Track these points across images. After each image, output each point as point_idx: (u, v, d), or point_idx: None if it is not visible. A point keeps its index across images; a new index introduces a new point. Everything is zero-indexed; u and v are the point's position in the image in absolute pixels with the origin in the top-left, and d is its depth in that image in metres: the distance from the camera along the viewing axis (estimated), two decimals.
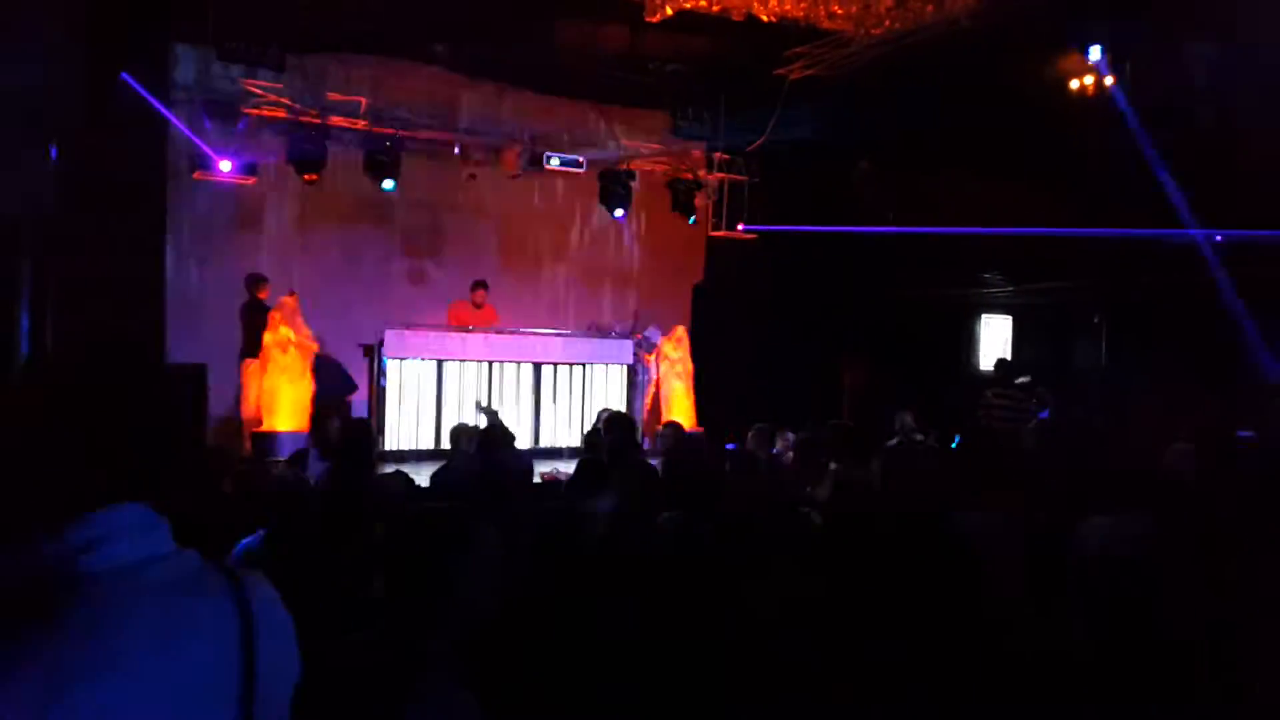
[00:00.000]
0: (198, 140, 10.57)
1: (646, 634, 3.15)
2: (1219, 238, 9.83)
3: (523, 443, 9.86)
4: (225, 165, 10.46)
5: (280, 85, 10.91)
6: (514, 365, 11.00)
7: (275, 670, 1.56)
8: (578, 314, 13.47)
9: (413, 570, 2.40)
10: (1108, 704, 3.29)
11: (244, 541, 3.89)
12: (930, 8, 9.91)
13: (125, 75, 9.08)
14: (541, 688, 2.78)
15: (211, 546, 3.32)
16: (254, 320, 10.08)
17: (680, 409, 11.86)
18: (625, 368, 11.69)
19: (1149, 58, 9.97)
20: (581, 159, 12.43)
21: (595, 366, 11.51)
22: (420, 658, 2.33)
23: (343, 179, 11.94)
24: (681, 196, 13.05)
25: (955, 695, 3.18)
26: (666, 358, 11.97)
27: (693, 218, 13.12)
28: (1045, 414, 9.97)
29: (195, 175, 10.74)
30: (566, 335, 12.13)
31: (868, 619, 3.37)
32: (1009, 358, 12.15)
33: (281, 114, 10.80)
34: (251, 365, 10.03)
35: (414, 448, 10.45)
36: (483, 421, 9.85)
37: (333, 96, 11.15)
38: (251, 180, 11.04)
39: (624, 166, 12.77)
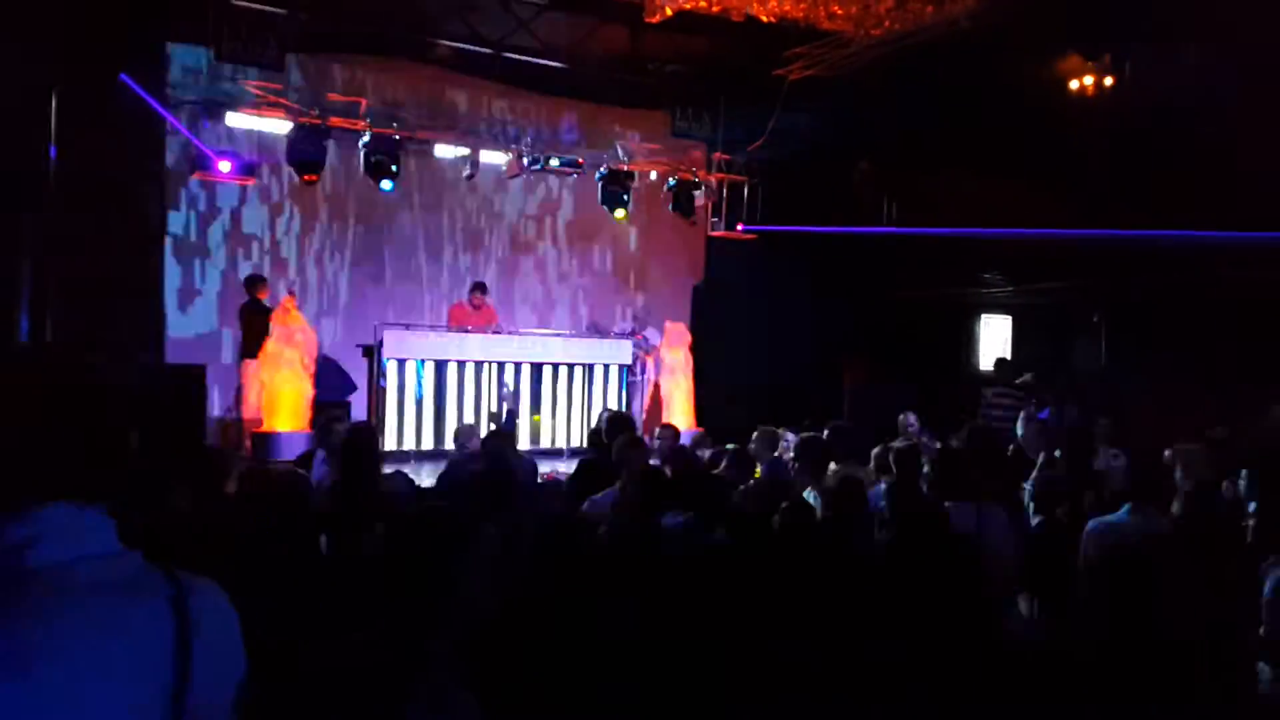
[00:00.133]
0: (197, 141, 10.58)
1: (646, 634, 3.15)
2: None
3: (522, 443, 9.87)
4: (224, 166, 10.46)
5: (279, 85, 10.92)
6: (513, 366, 11.00)
7: (214, 675, 1.55)
8: (577, 315, 13.48)
9: (413, 570, 2.40)
10: (1108, 704, 3.29)
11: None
12: (930, 9, 9.91)
13: (124, 76, 9.08)
14: (541, 688, 2.78)
15: (213, 547, 3.32)
16: (253, 321, 10.08)
17: (680, 409, 11.86)
18: (624, 368, 11.69)
19: (1149, 59, 9.97)
20: (581, 159, 12.44)
21: (594, 367, 11.50)
22: (420, 658, 2.32)
23: (342, 179, 11.95)
24: (681, 197, 13.05)
25: (955, 695, 3.18)
26: (667, 357, 11.97)
27: (692, 218, 13.12)
28: (1045, 414, 9.96)
29: (194, 175, 10.74)
30: (566, 336, 12.12)
31: (868, 619, 3.38)
32: (1008, 358, 12.14)
33: (281, 114, 10.80)
34: (251, 366, 10.03)
35: (414, 448, 10.44)
36: (503, 411, 9.88)
37: (332, 97, 11.15)
38: (250, 181, 11.05)
39: (624, 167, 12.78)
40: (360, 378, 10.93)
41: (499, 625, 2.75)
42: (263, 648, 2.68)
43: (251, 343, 10.02)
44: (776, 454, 7.41)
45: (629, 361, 11.73)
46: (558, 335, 12.08)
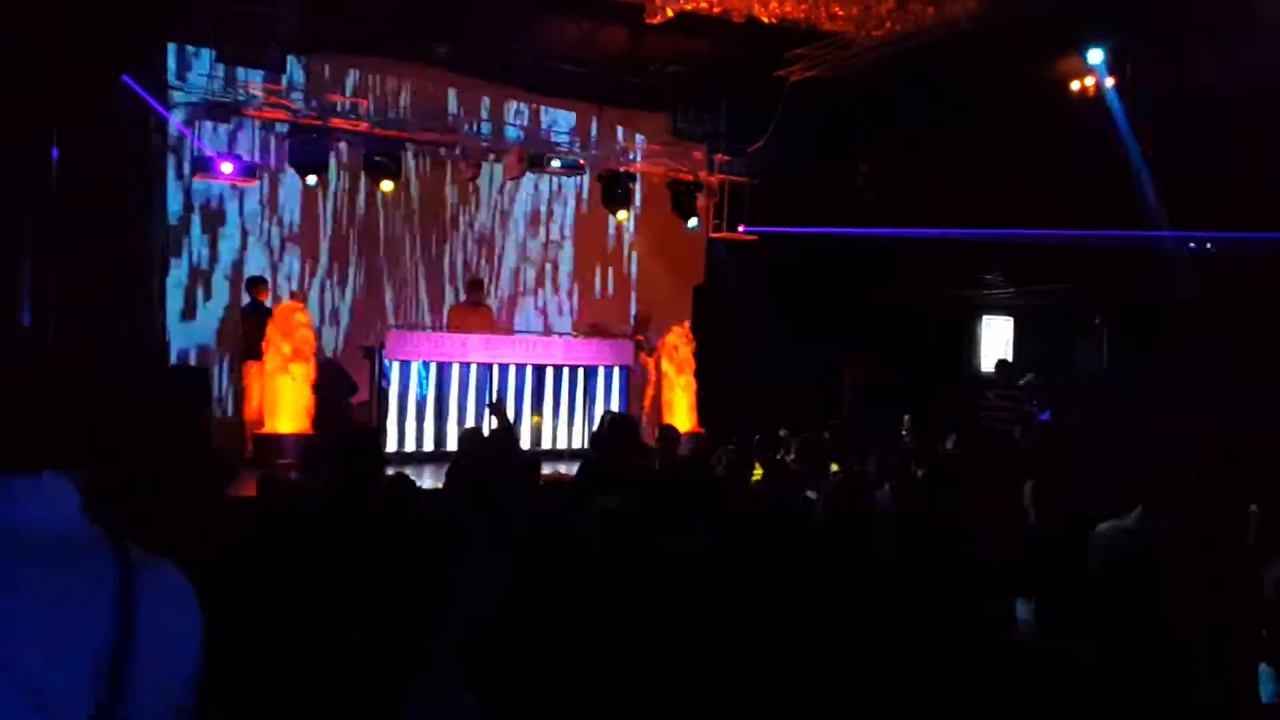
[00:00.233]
0: (199, 142, 10.59)
1: (646, 634, 3.15)
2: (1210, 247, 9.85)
3: (523, 445, 9.87)
4: (226, 167, 10.47)
5: (281, 87, 10.93)
6: (514, 367, 11.00)
7: (161, 653, 1.53)
8: (578, 316, 13.49)
9: (413, 570, 2.41)
10: (1108, 704, 3.29)
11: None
12: (931, 10, 9.92)
13: (126, 77, 9.09)
14: (541, 688, 2.78)
15: (213, 548, 3.33)
16: (256, 323, 10.09)
17: (681, 411, 11.86)
18: (626, 369, 11.68)
19: (1149, 59, 9.98)
20: (582, 161, 12.45)
21: (596, 369, 11.50)
22: (420, 658, 2.33)
23: (344, 181, 11.96)
24: (682, 198, 13.06)
25: (955, 695, 3.19)
26: (669, 357, 11.98)
27: (693, 219, 13.13)
28: (1046, 416, 9.98)
29: (196, 177, 10.76)
30: (567, 337, 12.12)
31: (868, 619, 3.38)
32: (1009, 359, 12.14)
33: (283, 116, 10.81)
34: (253, 368, 10.04)
35: (416, 450, 10.43)
36: (493, 420, 9.89)
37: (334, 98, 11.16)
38: (252, 182, 11.06)
39: (625, 168, 12.78)
40: (362, 380, 10.94)
41: (499, 625, 2.75)
42: (264, 648, 2.69)
43: (253, 345, 10.03)
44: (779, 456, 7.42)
45: (630, 363, 11.73)
46: (559, 336, 12.07)
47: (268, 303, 10.36)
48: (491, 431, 7.40)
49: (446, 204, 12.74)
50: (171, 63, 10.65)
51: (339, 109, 11.18)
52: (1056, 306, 13.09)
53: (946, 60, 10.27)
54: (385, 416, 10.24)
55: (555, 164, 12.18)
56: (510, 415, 10.24)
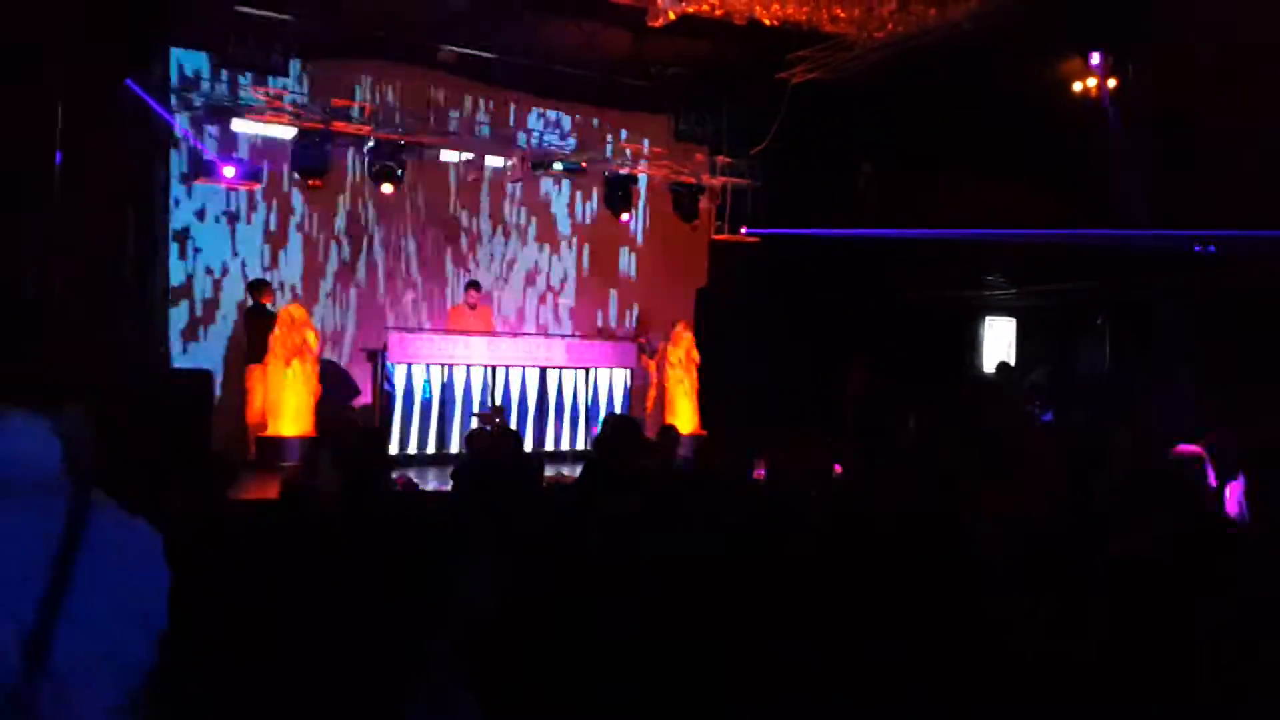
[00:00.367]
0: (201, 146, 10.61)
1: (646, 634, 3.16)
2: (1212, 249, 9.84)
3: (526, 447, 9.87)
4: (229, 171, 10.49)
5: (283, 91, 10.95)
6: (518, 369, 11.01)
7: (104, 603, 1.51)
8: (581, 318, 13.49)
9: (413, 570, 2.41)
10: (1108, 704, 3.29)
11: None
12: (932, 11, 9.92)
13: (129, 81, 9.11)
14: (541, 688, 2.79)
15: (215, 549, 3.34)
16: (258, 326, 10.11)
17: (684, 412, 11.87)
18: (628, 371, 11.69)
19: (1150, 60, 9.98)
20: (584, 163, 12.46)
21: (598, 370, 11.51)
22: (420, 658, 2.34)
23: (346, 184, 11.98)
24: (684, 200, 13.07)
25: (955, 695, 3.19)
26: (671, 358, 12.00)
27: (695, 221, 13.15)
28: (1049, 416, 9.98)
29: (199, 180, 10.77)
30: (569, 339, 12.13)
31: (868, 619, 3.38)
32: (1011, 361, 12.15)
33: (285, 119, 10.83)
34: (256, 370, 10.06)
35: (419, 452, 10.44)
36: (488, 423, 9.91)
37: (336, 102, 11.18)
38: (254, 186, 11.08)
39: (627, 170, 12.79)
40: (365, 382, 10.97)
41: (499, 625, 2.76)
42: (266, 647, 2.70)
43: (256, 347, 10.05)
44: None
45: (633, 365, 11.74)
46: (562, 338, 12.08)
47: (270, 305, 10.38)
48: (496, 433, 7.41)
49: (449, 207, 12.76)
50: (174, 66, 10.67)
51: (341, 112, 11.20)
52: (1059, 307, 13.09)
53: (948, 62, 10.27)
54: (389, 419, 10.25)
55: (557, 166, 12.20)
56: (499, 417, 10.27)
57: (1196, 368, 9.79)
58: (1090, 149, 10.42)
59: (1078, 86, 10.47)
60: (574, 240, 13.57)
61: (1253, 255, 9.39)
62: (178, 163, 10.81)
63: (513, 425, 10.47)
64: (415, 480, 7.56)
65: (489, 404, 10.58)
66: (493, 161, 12.07)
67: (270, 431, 9.71)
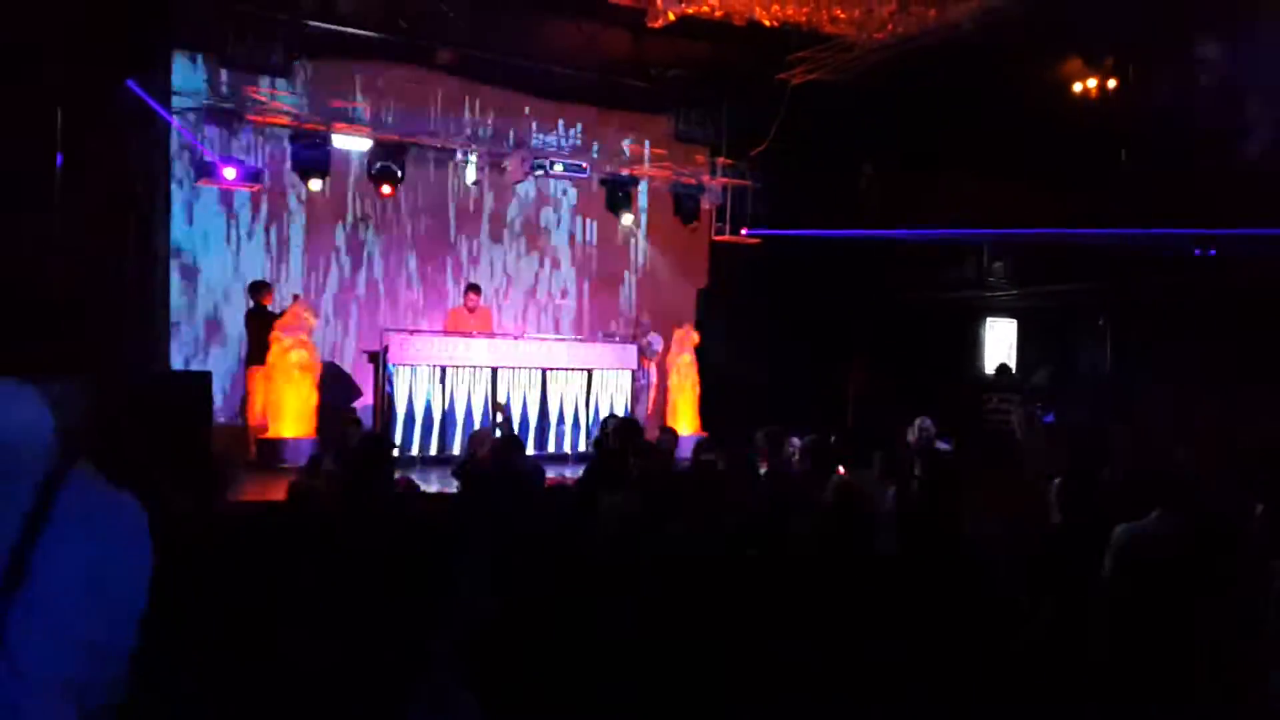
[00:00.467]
0: (201, 147, 10.62)
1: (646, 634, 3.16)
2: (1213, 251, 9.84)
3: (527, 448, 9.87)
4: (229, 172, 10.49)
5: (284, 92, 10.95)
6: (518, 371, 11.01)
7: (67, 576, 1.46)
8: (581, 320, 13.50)
9: (413, 570, 2.41)
10: (1109, 704, 3.29)
11: None
12: (932, 12, 9.92)
13: (130, 82, 9.11)
14: (541, 688, 2.79)
15: (215, 549, 3.34)
16: (259, 327, 10.11)
17: (685, 413, 11.87)
18: (629, 373, 11.69)
19: (1151, 61, 9.98)
20: (585, 164, 12.45)
21: (599, 372, 11.51)
22: (420, 658, 2.34)
23: (346, 185, 11.98)
24: (685, 201, 13.08)
25: (955, 695, 3.19)
26: (672, 360, 12.00)
27: (696, 222, 13.15)
28: (1050, 418, 9.97)
29: (199, 182, 10.77)
30: (570, 341, 12.13)
31: (868, 619, 3.38)
32: (1011, 362, 12.15)
33: (285, 121, 10.83)
34: (257, 372, 10.05)
35: (420, 454, 10.43)
36: (497, 416, 9.91)
37: (336, 103, 11.18)
38: (255, 187, 11.08)
39: (627, 172, 12.79)
40: (366, 384, 10.96)
41: (499, 625, 2.76)
42: (266, 647, 2.70)
43: (257, 349, 10.05)
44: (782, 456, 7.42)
45: (634, 366, 11.73)
46: (562, 340, 12.08)
47: (271, 307, 10.38)
48: (499, 434, 7.42)
49: (449, 208, 12.76)
50: (175, 67, 10.67)
51: (341, 113, 11.20)
52: (1060, 308, 13.08)
53: (948, 62, 10.27)
54: (390, 421, 10.25)
55: (558, 168, 12.19)
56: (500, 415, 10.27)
57: (1196, 368, 9.79)
58: (1092, 149, 10.42)
59: (1078, 87, 10.47)
60: (574, 242, 13.57)
61: (1253, 255, 9.38)
62: (178, 163, 10.82)
63: (513, 426, 10.47)
64: (416, 481, 7.56)
65: (490, 405, 10.57)
66: (493, 162, 12.07)
67: (271, 433, 9.71)
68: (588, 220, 13.56)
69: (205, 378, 8.76)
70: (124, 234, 8.84)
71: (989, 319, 14.32)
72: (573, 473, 8.54)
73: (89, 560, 1.50)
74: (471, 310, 11.28)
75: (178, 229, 10.95)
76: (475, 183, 12.19)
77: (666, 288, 13.88)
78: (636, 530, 4.16)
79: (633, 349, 11.85)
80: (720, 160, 13.30)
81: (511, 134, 12.60)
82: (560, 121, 13.08)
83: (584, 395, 11.36)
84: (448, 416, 10.59)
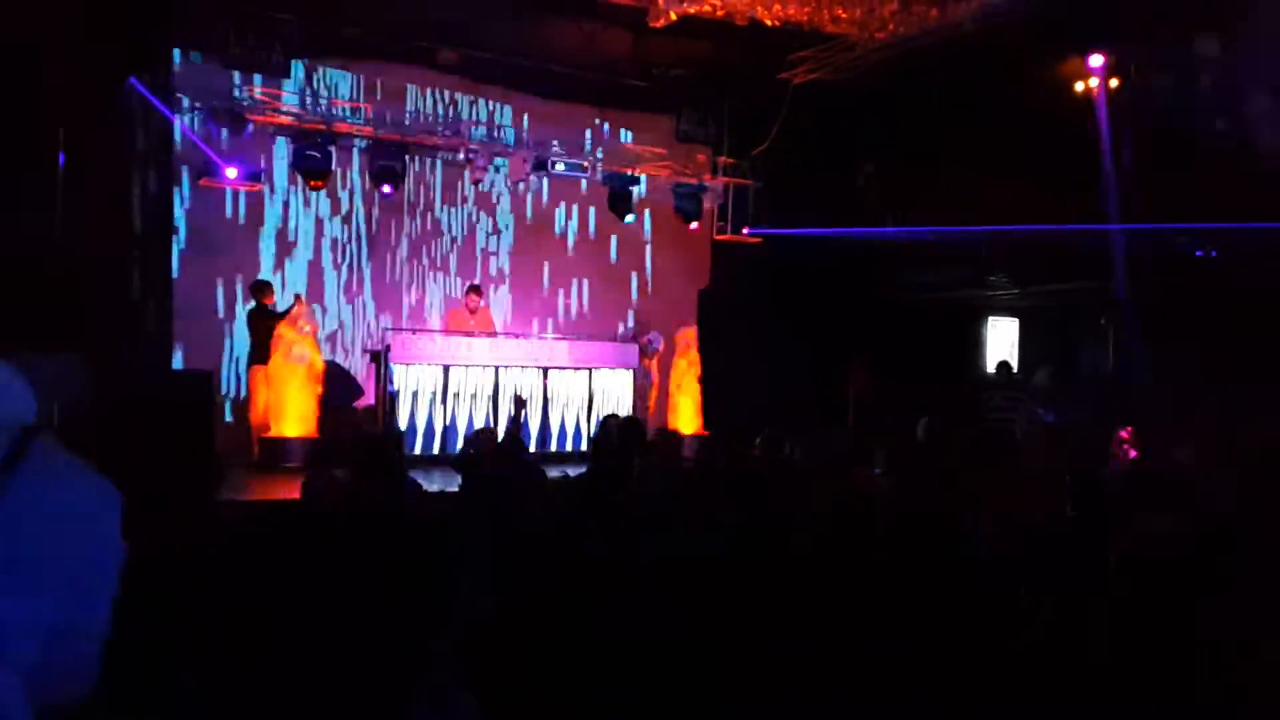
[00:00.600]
0: (204, 146, 10.62)
1: (646, 634, 3.16)
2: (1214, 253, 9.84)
3: (528, 447, 9.88)
4: (231, 172, 10.50)
5: (285, 92, 10.96)
6: (519, 370, 11.01)
7: (22, 558, 1.42)
8: (583, 319, 13.50)
9: (413, 570, 2.42)
10: (1108, 703, 3.29)
11: None
12: (934, 12, 9.92)
13: (131, 81, 9.12)
14: (541, 688, 2.79)
15: (215, 548, 3.35)
16: (261, 327, 10.12)
17: (687, 413, 11.87)
18: (630, 372, 11.69)
19: (1151, 60, 9.97)
20: (586, 164, 12.46)
21: (600, 371, 11.51)
22: (420, 658, 2.34)
23: (348, 185, 12.00)
24: (686, 201, 13.08)
25: (955, 695, 3.19)
26: (673, 360, 12.01)
27: (697, 222, 13.16)
28: (1051, 417, 9.96)
29: (201, 182, 10.79)
30: (572, 340, 12.14)
31: (868, 619, 3.38)
32: (1010, 361, 12.14)
33: (287, 120, 10.83)
34: (259, 372, 10.06)
35: (422, 453, 10.43)
36: (520, 415, 9.91)
37: (338, 103, 11.19)
38: (257, 187, 11.09)
39: (629, 171, 12.80)
40: (368, 383, 10.98)
41: (499, 625, 2.76)
42: (266, 647, 2.70)
43: (259, 348, 10.06)
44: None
45: (635, 365, 11.74)
46: (564, 339, 12.09)
47: (273, 306, 10.39)
48: (502, 434, 7.43)
49: (450, 208, 12.77)
50: (176, 67, 10.68)
51: (343, 113, 11.20)
52: (1062, 307, 13.09)
53: (949, 62, 10.27)
54: (392, 420, 10.26)
55: (559, 167, 12.20)
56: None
57: (1196, 368, 9.79)
58: (1093, 149, 10.42)
59: (1079, 86, 10.47)
60: (576, 241, 13.57)
61: (1254, 255, 9.38)
62: (180, 164, 10.82)
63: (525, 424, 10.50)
64: (418, 480, 7.56)
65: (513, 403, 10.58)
66: (494, 162, 12.07)
67: (273, 433, 9.72)
68: (588, 220, 13.56)
69: (207, 378, 8.76)
70: (124, 234, 8.84)
71: (991, 318, 14.33)
72: (575, 471, 8.54)
73: (50, 544, 1.46)
74: (472, 311, 11.29)
75: (179, 228, 10.95)
76: (476, 182, 12.20)
77: (668, 287, 13.88)
78: (637, 530, 4.16)
79: (634, 348, 11.85)
80: (722, 160, 13.31)
81: (512, 134, 12.60)
82: (562, 121, 13.07)
83: (585, 394, 11.37)
84: (449, 416, 10.60)
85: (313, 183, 11.11)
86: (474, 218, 12.94)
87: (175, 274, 10.85)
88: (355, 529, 4.38)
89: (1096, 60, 10.17)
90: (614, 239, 13.71)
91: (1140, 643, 3.48)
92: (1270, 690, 3.40)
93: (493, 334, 11.30)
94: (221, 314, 11.24)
